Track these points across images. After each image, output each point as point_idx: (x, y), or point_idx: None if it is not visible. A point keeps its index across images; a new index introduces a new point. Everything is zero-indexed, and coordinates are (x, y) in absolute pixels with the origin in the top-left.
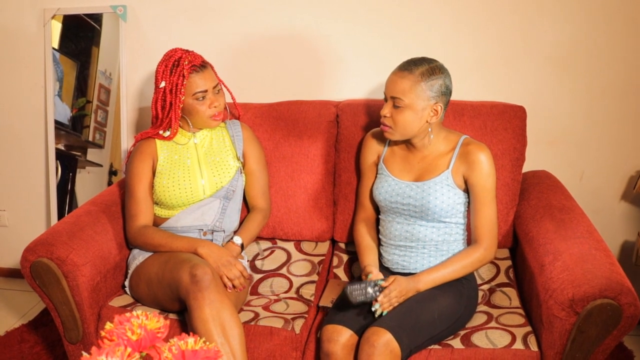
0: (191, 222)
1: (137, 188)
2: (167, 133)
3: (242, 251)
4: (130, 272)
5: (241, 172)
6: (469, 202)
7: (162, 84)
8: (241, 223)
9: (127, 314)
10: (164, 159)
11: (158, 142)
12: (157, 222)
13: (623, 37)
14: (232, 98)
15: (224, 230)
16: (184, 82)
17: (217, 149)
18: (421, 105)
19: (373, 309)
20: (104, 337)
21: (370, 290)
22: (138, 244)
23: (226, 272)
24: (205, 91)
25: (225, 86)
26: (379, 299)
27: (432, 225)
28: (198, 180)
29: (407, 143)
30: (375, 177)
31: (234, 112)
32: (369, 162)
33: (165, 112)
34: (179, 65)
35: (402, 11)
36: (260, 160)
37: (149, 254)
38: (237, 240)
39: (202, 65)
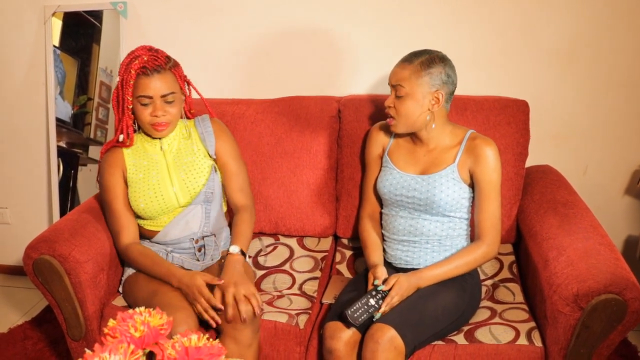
0: (179, 233)
1: (114, 202)
2: (122, 138)
3: (245, 258)
4: (123, 279)
5: (216, 170)
6: (473, 197)
7: (117, 79)
8: (229, 222)
9: (130, 311)
10: (133, 168)
11: (125, 151)
12: (149, 235)
13: (626, 30)
14: (201, 97)
15: (214, 234)
16: (131, 82)
17: (186, 152)
18: (422, 93)
19: (375, 319)
20: (107, 334)
21: (372, 301)
22: (125, 260)
23: (195, 307)
24: (150, 97)
25: (197, 92)
26: (381, 309)
27: (437, 219)
28: (169, 188)
29: (413, 136)
30: (380, 170)
31: (207, 112)
32: (374, 154)
33: (120, 111)
34: (132, 64)
35: (404, 6)
36: (233, 154)
37: None
38: (234, 249)
39: (155, 69)
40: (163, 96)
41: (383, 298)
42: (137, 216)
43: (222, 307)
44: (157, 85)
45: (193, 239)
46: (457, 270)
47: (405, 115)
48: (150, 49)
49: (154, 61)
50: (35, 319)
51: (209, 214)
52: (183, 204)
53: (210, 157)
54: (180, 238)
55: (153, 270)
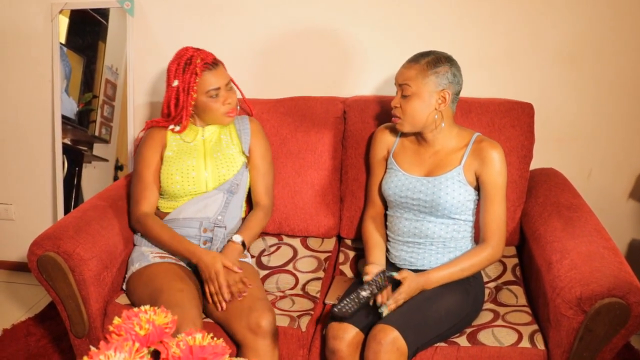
0: (193, 213)
1: (145, 172)
2: (177, 128)
3: (244, 250)
4: (127, 276)
5: (246, 167)
6: (478, 200)
7: (175, 83)
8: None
9: (135, 309)
10: (172, 148)
11: (169, 132)
12: (160, 216)
13: (631, 33)
14: (242, 95)
15: (225, 227)
16: (197, 80)
17: (224, 143)
18: (428, 93)
19: (380, 311)
20: (112, 332)
21: (364, 293)
22: (138, 230)
23: (208, 287)
24: (218, 89)
25: (235, 84)
26: (388, 304)
27: (441, 221)
28: (202, 172)
29: (419, 137)
30: (385, 171)
31: (245, 108)
32: (379, 156)
33: (178, 110)
34: (192, 64)
35: (409, 7)
36: (265, 156)
37: (145, 262)
38: (237, 238)
39: (214, 63)
40: (226, 84)
41: (379, 287)
42: (162, 193)
43: (228, 300)
44: (220, 76)
45: (203, 224)
46: (463, 272)
47: (411, 114)
48: (195, 49)
49: (209, 56)
50: (38, 316)
51: (227, 205)
52: (212, 188)
53: (244, 154)
54: (192, 219)
55: (171, 243)
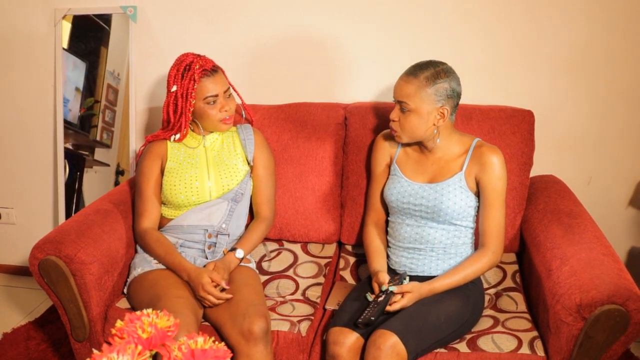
0: (197, 221)
1: (145, 187)
2: (177, 136)
3: (240, 262)
4: (128, 280)
5: (250, 176)
6: (479, 207)
7: (174, 88)
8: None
9: (138, 312)
10: (174, 159)
11: (169, 143)
12: (164, 222)
13: (634, 40)
14: (242, 101)
15: (228, 234)
16: (195, 87)
17: (227, 152)
18: (427, 109)
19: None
20: (115, 335)
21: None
22: (139, 244)
23: (204, 302)
24: (216, 95)
25: (235, 90)
26: (395, 293)
27: (442, 227)
28: (205, 181)
29: (420, 145)
30: (387, 178)
31: (246, 114)
32: (381, 163)
33: (177, 116)
34: (190, 70)
35: (412, 13)
36: (268, 167)
37: (147, 268)
38: (239, 253)
39: (213, 69)
40: (225, 92)
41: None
42: (165, 203)
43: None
44: (218, 83)
45: (207, 231)
46: (465, 279)
47: (409, 130)
48: (195, 55)
49: (208, 63)
50: (38, 320)
51: (232, 213)
52: (215, 197)
53: (248, 163)
54: (197, 226)
55: (165, 259)
